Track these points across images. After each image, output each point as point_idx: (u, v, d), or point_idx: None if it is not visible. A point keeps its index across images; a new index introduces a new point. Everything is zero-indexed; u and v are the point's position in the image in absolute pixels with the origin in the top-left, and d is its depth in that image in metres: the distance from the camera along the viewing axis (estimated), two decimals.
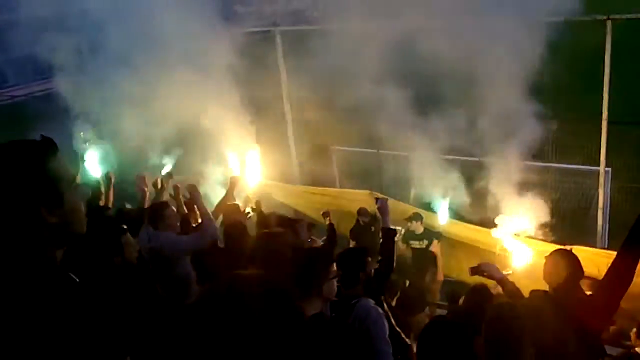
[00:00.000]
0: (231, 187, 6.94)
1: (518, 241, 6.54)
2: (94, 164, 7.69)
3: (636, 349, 5.01)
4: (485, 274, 4.41)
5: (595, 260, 5.99)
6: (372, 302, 3.88)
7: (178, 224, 5.90)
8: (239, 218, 5.60)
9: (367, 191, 8.73)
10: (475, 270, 4.54)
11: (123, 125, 7.70)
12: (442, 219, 7.43)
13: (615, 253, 3.92)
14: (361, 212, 8.14)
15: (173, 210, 5.88)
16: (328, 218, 7.19)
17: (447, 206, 7.38)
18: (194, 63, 7.79)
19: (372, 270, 4.17)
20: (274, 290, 1.55)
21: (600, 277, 5.24)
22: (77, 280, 1.75)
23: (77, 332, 1.63)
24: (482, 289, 4.44)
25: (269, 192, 8.91)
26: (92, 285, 1.80)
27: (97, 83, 7.81)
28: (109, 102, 7.91)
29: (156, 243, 5.47)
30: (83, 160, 7.55)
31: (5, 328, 1.56)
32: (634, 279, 3.73)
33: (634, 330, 5.17)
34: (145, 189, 6.68)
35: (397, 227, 7.62)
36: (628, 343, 5.25)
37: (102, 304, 1.75)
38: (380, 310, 3.84)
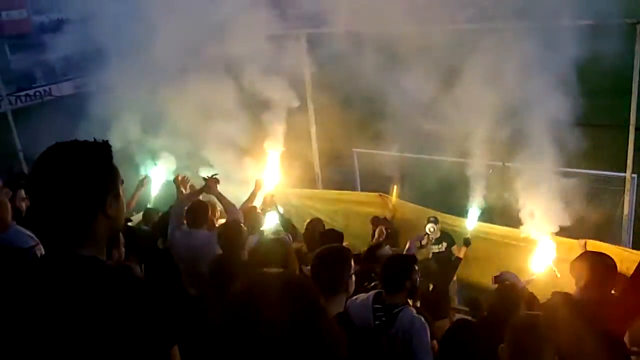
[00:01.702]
0: (255, 189, 7.00)
1: (544, 237, 6.48)
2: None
3: None
4: (507, 282, 4.38)
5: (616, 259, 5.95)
6: (414, 311, 3.79)
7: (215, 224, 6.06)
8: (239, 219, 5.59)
9: (376, 193, 8.69)
10: (498, 279, 4.53)
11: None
12: (470, 224, 7.35)
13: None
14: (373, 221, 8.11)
15: (214, 209, 6.08)
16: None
17: (476, 212, 7.29)
18: (222, 67, 7.91)
19: (417, 279, 4.04)
20: (298, 288, 1.53)
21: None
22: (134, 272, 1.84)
23: (127, 325, 1.68)
24: (511, 289, 4.37)
25: (286, 195, 8.97)
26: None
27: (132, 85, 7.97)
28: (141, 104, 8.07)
29: (194, 241, 5.56)
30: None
31: (52, 319, 1.64)
32: None
33: None
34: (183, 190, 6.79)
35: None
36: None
37: (160, 297, 1.83)
38: (423, 320, 3.75)
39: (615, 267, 3.96)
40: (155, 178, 8.20)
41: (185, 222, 5.75)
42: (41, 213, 1.81)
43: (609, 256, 4.04)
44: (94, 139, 1.90)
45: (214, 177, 6.23)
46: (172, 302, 1.86)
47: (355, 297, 4.00)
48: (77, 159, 1.81)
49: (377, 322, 3.75)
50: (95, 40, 8.02)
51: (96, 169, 1.83)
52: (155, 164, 8.23)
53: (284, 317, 1.43)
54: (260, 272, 1.63)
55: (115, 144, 1.96)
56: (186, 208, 5.91)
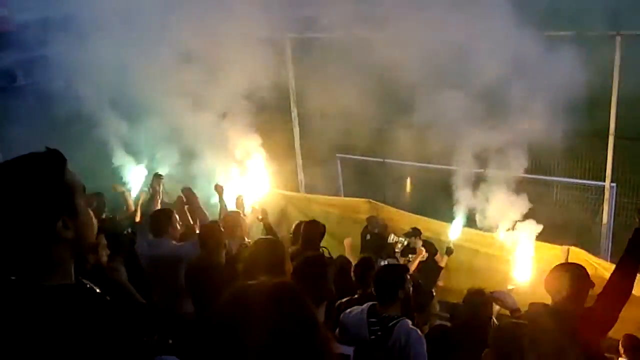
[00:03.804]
0: (219, 196, 6.97)
1: (524, 243, 6.54)
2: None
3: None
4: (499, 302, 4.43)
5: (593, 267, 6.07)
6: (410, 323, 3.77)
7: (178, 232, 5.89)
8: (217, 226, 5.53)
9: (365, 199, 8.75)
10: (492, 298, 4.59)
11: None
12: (453, 234, 7.39)
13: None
14: (371, 220, 8.19)
15: (176, 218, 5.87)
16: None
17: (460, 222, 7.33)
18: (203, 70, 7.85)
19: (411, 288, 4.03)
20: (286, 298, 1.47)
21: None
22: (97, 291, 1.74)
23: (106, 344, 1.61)
24: (479, 293, 4.42)
25: (276, 200, 8.96)
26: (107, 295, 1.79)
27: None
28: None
29: (157, 251, 5.46)
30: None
31: (31, 345, 1.53)
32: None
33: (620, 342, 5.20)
34: (158, 190, 6.72)
35: (400, 238, 7.68)
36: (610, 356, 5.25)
37: (121, 314, 1.74)
38: (419, 332, 3.75)
39: (589, 277, 4.01)
40: (133, 180, 8.09)
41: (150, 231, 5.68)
42: None
43: (583, 267, 4.08)
44: (47, 148, 1.69)
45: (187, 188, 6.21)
46: (147, 327, 1.80)
47: (349, 310, 3.98)
48: (14, 186, 1.59)
49: (372, 337, 3.70)
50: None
51: (37, 195, 1.60)
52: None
53: (277, 331, 1.38)
54: (247, 283, 1.53)
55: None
56: (149, 216, 5.84)
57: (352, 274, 5.08)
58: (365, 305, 3.92)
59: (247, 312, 1.38)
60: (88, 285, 1.74)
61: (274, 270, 3.59)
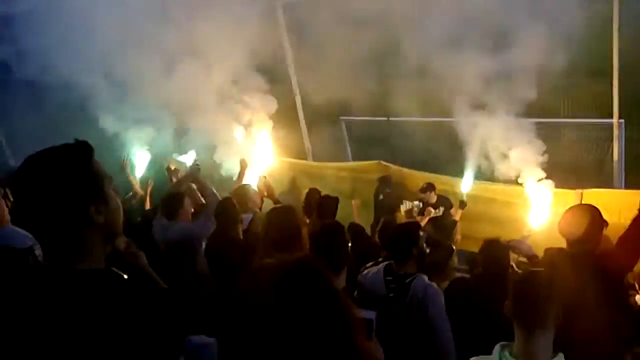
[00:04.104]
0: (242, 170, 6.96)
1: (539, 188, 6.53)
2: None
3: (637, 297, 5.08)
4: (516, 251, 4.44)
5: (609, 205, 6.05)
6: (426, 278, 3.82)
7: (190, 213, 5.90)
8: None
9: (377, 161, 8.74)
10: (511, 248, 4.62)
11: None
12: (465, 186, 7.38)
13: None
14: (383, 180, 8.23)
15: (188, 200, 5.88)
16: None
17: (470, 172, 7.32)
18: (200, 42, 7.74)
19: (425, 245, 4.07)
20: (305, 275, 1.50)
21: (614, 223, 5.34)
22: (126, 277, 1.79)
23: (137, 330, 1.65)
24: (494, 243, 4.45)
25: (284, 169, 8.96)
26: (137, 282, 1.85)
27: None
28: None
29: (171, 235, 5.50)
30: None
31: (63, 328, 1.59)
32: None
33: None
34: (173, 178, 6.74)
35: (414, 202, 7.69)
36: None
37: (150, 299, 1.78)
38: (436, 286, 3.81)
39: (601, 217, 4.00)
40: (138, 160, 8.09)
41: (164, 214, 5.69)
42: (31, 231, 1.74)
43: (595, 207, 4.07)
44: (76, 140, 1.79)
45: (196, 164, 6.19)
46: (178, 313, 1.84)
47: (365, 271, 4.03)
48: (49, 175, 1.70)
49: (391, 294, 3.78)
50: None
51: (69, 181, 1.70)
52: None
53: (299, 309, 1.41)
54: (266, 262, 1.57)
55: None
56: (161, 200, 5.86)
57: (375, 237, 5.14)
58: (381, 265, 4.00)
59: (268, 293, 1.40)
60: (116, 272, 1.79)
61: (291, 241, 3.64)
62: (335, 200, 5.87)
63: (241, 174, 6.96)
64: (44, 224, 1.72)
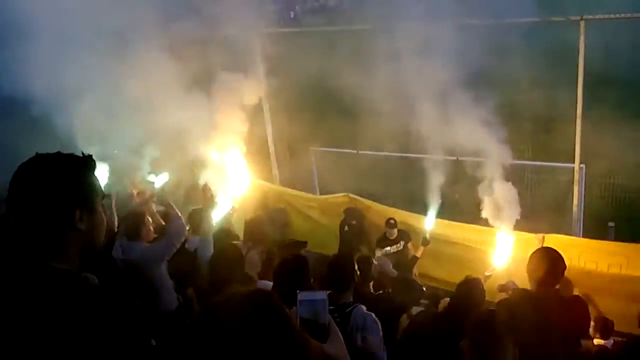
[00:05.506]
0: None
1: (502, 232, 6.63)
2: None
3: (594, 341, 5.18)
4: (510, 292, 4.50)
5: (569, 249, 6.26)
6: (364, 308, 3.92)
7: (152, 234, 5.84)
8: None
9: (345, 194, 8.81)
10: (502, 288, 4.70)
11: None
12: (428, 223, 7.46)
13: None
14: (349, 212, 8.32)
15: (148, 220, 5.81)
16: None
17: (434, 210, 7.40)
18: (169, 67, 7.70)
19: (359, 274, 4.20)
20: (267, 308, 1.50)
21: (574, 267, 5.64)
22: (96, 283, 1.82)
23: (102, 334, 1.70)
24: (476, 283, 4.49)
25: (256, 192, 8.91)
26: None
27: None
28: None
29: (130, 255, 5.46)
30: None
31: (28, 329, 1.66)
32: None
33: (592, 324, 5.32)
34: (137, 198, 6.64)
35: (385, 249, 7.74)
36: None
37: (121, 307, 1.85)
38: (374, 316, 3.89)
39: (562, 259, 4.12)
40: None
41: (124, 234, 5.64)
42: (18, 224, 1.84)
43: (556, 250, 4.19)
44: (82, 153, 1.94)
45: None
46: (139, 317, 1.91)
47: None
48: (44, 173, 1.84)
49: None
50: None
51: (61, 183, 1.85)
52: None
53: (254, 343, 1.39)
54: (220, 297, 1.58)
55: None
56: (122, 218, 5.81)
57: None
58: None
59: (222, 327, 1.39)
60: (86, 276, 1.94)
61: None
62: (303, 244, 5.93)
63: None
64: (29, 218, 1.83)
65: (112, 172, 7.62)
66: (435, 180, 7.30)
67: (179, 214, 5.88)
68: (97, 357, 1.68)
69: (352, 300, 3.99)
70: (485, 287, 4.57)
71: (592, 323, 5.29)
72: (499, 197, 6.77)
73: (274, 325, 1.42)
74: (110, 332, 1.72)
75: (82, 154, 1.95)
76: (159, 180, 6.92)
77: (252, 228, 5.74)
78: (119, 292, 1.95)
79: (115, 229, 6.35)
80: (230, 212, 6.94)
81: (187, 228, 5.98)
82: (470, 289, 4.36)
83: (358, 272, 4.21)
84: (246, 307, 1.42)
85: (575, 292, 5.71)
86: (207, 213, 5.85)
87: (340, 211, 8.55)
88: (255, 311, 1.42)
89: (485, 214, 6.77)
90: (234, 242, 5.77)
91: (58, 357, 1.66)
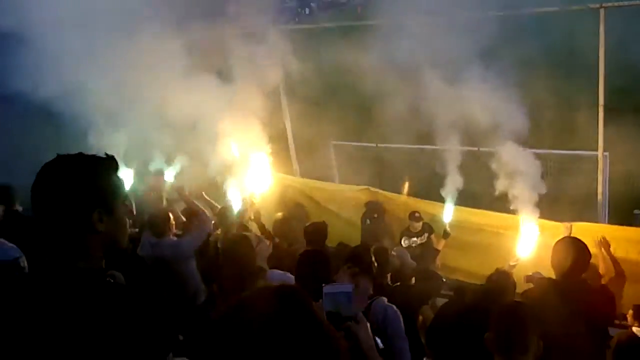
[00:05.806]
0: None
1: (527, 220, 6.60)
2: None
3: (633, 328, 5.12)
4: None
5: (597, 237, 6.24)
6: (385, 300, 3.93)
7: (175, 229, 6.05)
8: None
9: (365, 187, 8.82)
10: (529, 279, 4.70)
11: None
12: (447, 216, 7.44)
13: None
14: (371, 206, 8.31)
15: (174, 214, 6.04)
16: None
17: (451, 205, 7.37)
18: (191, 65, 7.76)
19: (376, 265, 4.22)
20: (289, 302, 1.46)
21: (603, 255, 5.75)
22: (116, 283, 1.87)
23: (125, 333, 1.72)
24: (506, 277, 4.49)
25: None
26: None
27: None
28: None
29: (159, 251, 5.57)
30: None
31: (51, 328, 1.68)
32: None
33: (630, 312, 5.26)
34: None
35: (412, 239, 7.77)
36: (624, 323, 5.33)
37: (147, 304, 1.87)
38: (395, 308, 3.90)
39: (587, 249, 4.09)
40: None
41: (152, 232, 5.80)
42: (42, 226, 1.86)
43: (581, 241, 4.16)
44: (106, 154, 1.95)
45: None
46: (166, 313, 1.91)
47: None
48: (64, 175, 1.85)
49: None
50: None
51: (80, 185, 1.85)
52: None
53: (285, 334, 1.41)
54: (247, 293, 1.53)
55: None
56: (146, 218, 5.94)
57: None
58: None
59: (250, 323, 1.40)
60: (111, 273, 1.98)
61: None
62: (324, 227, 5.93)
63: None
64: (50, 219, 1.85)
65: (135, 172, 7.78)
66: (456, 171, 7.29)
67: (203, 209, 6.03)
68: (123, 353, 1.71)
69: (371, 292, 4.00)
70: None
71: (630, 311, 5.23)
72: (522, 187, 6.73)
73: (302, 320, 1.43)
74: (133, 330, 1.74)
75: (106, 154, 1.96)
76: (171, 172, 7.04)
77: (282, 228, 5.87)
78: (145, 289, 1.96)
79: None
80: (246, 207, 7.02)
81: (212, 222, 6.10)
82: (500, 280, 4.37)
83: (375, 264, 4.23)
84: (273, 302, 1.44)
85: (604, 281, 5.67)
86: (231, 210, 6.00)
87: (361, 204, 8.53)
88: (283, 306, 1.44)
89: (509, 204, 6.74)
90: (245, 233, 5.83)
91: (85, 354, 1.68)
